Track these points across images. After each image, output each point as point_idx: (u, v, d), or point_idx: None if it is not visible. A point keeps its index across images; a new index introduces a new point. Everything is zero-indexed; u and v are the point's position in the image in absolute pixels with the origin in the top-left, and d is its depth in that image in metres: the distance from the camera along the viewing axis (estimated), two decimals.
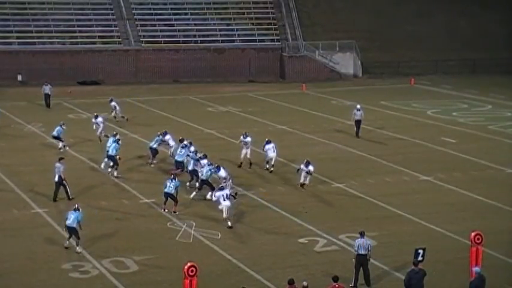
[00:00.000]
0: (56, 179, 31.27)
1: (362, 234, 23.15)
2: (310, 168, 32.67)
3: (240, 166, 36.06)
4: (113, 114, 46.97)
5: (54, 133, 39.52)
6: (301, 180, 33.03)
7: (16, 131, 44.69)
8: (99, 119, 41.62)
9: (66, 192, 31.29)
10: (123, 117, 46.74)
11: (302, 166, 32.91)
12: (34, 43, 63.33)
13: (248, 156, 36.27)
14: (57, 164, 31.56)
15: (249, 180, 34.45)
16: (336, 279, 20.86)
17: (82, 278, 23.85)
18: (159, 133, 37.35)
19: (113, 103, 47.29)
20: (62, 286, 23.36)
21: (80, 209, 26.25)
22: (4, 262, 25.06)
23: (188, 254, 24.95)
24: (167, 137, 37.24)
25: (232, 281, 23.34)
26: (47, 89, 51.88)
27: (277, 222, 29.15)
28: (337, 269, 23.18)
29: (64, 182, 31.22)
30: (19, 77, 60.23)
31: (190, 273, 20.75)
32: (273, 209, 30.63)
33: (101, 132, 41.10)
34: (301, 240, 27.15)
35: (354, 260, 22.86)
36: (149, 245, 26.46)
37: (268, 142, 35.98)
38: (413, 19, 72.79)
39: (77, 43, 64.34)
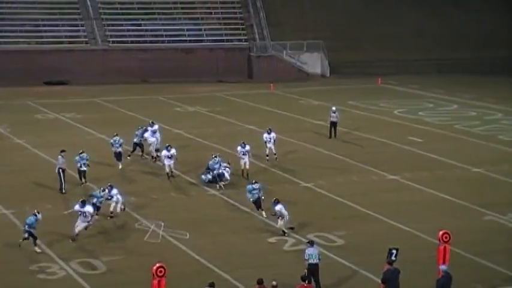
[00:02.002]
0: (56, 170, 31.90)
1: (311, 244, 23.11)
2: (278, 208, 27.65)
3: (243, 175, 34.51)
4: None
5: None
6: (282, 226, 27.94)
7: None
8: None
9: (61, 185, 31.79)
10: None
11: (277, 207, 27.85)
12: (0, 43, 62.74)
13: (247, 166, 34.75)
14: (58, 157, 32.10)
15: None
16: (304, 278, 20.95)
17: (49, 279, 23.69)
18: (139, 127, 38.04)
19: None
20: (28, 286, 23.17)
21: (39, 215, 25.97)
22: None
23: (157, 254, 24.88)
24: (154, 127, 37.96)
25: (201, 281, 23.25)
26: None
27: (246, 222, 29.18)
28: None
29: (62, 175, 31.76)
30: None
31: (158, 274, 20.68)
32: (241, 209, 30.65)
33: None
34: (270, 239, 27.21)
35: (305, 270, 22.63)
36: (117, 245, 26.37)
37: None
38: (382, 20, 73.27)
39: (43, 43, 63.84)
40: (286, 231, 27.44)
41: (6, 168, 36.00)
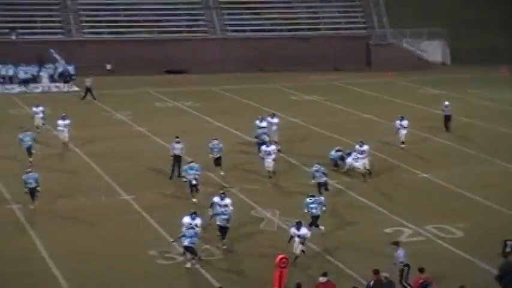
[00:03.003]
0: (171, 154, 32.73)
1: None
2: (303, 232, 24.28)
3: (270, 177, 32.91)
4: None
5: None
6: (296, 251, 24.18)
7: (105, 119, 45.57)
8: None
9: (173, 170, 32.38)
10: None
11: (293, 229, 24.37)
12: (123, 33, 64.42)
13: (271, 167, 33.04)
14: (173, 144, 32.81)
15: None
16: (422, 270, 20.56)
17: (168, 265, 24.15)
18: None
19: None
20: (149, 272, 23.71)
21: (198, 217, 24.60)
22: (93, 247, 25.63)
23: (272, 242, 24.94)
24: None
25: (315, 270, 23.14)
26: (89, 81, 51.55)
27: (361, 212, 28.91)
28: (423, 260, 22.73)
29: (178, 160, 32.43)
30: (108, 66, 61.33)
31: (281, 265, 20.88)
32: (356, 198, 30.37)
33: None
34: (386, 230, 26.85)
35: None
36: (231, 235, 26.42)
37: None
38: (508, 6, 70.61)
39: (164, 32, 65.11)
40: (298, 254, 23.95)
41: (127, 154, 36.92)
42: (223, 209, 25.51)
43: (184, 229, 24.02)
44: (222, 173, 32.97)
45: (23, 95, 52.32)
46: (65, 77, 55.62)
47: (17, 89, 54.13)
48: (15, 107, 44.71)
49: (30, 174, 29.22)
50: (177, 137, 33.38)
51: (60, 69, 55.96)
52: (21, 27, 61.71)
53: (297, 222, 24.04)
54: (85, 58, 58.49)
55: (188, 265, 23.75)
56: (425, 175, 33.60)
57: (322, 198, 26.86)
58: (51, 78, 55.63)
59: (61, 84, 55.30)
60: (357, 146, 33.42)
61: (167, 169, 33.00)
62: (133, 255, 24.83)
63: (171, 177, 32.27)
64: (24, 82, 54.46)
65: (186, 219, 24.34)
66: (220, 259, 24.53)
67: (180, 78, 60.32)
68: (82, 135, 39.61)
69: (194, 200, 29.28)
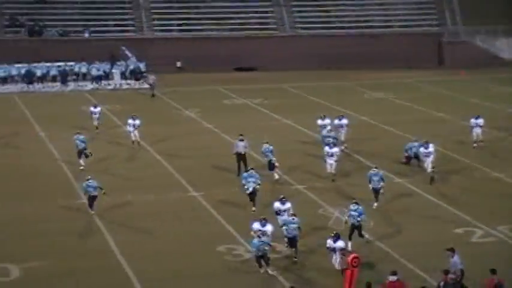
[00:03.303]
0: (234, 152, 32.81)
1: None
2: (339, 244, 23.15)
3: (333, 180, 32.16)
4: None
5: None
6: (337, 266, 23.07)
7: (175, 116, 45.93)
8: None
9: (239, 167, 32.37)
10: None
11: (329, 241, 23.38)
12: (193, 30, 64.88)
13: (333, 170, 32.18)
14: (237, 142, 32.80)
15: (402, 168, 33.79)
16: (494, 271, 20.04)
17: (235, 261, 24.17)
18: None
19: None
20: (216, 267, 23.76)
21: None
22: (162, 243, 25.82)
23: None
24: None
25: (384, 269, 22.85)
26: (152, 79, 52.34)
27: (433, 212, 28.42)
28: (495, 261, 22.24)
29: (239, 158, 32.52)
30: (178, 64, 61.85)
31: (353, 264, 20.76)
32: (426, 197, 29.89)
33: None
34: (457, 230, 26.33)
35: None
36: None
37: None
38: None
39: (233, 30, 65.31)
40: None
41: (196, 152, 37.12)
42: (291, 218, 24.42)
43: (254, 235, 23.43)
44: (276, 177, 32.10)
45: (95, 92, 53.17)
46: (136, 74, 56.32)
47: (89, 86, 55.05)
48: (87, 104, 45.42)
49: (90, 181, 28.23)
50: (241, 135, 33.38)
51: (131, 67, 56.70)
52: (94, 26, 62.72)
53: (335, 234, 23.02)
54: (156, 56, 59.09)
55: (270, 271, 23.05)
56: (498, 175, 32.84)
57: (362, 208, 25.08)
58: (123, 76, 56.41)
59: (132, 81, 56.02)
60: (422, 149, 32.53)
61: (235, 166, 33.00)
62: (201, 252, 24.91)
63: (238, 175, 32.27)
64: (97, 79, 55.34)
65: (256, 226, 23.83)
66: (288, 256, 24.41)
67: (249, 76, 60.43)
68: (152, 132, 39.98)
69: (253, 208, 28.22)
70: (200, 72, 59.54)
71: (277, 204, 25.78)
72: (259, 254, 22.97)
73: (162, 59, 59.26)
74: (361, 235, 24.95)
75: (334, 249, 22.89)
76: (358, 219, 24.69)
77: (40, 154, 37.06)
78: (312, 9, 67.54)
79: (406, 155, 34.18)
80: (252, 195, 28.45)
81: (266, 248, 23.04)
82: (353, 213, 24.78)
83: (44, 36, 61.29)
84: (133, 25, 64.21)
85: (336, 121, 37.35)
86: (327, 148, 32.58)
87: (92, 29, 62.39)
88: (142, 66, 56.67)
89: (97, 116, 40.78)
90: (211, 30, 65.04)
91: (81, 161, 33.94)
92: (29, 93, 53.07)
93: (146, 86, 53.63)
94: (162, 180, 32.81)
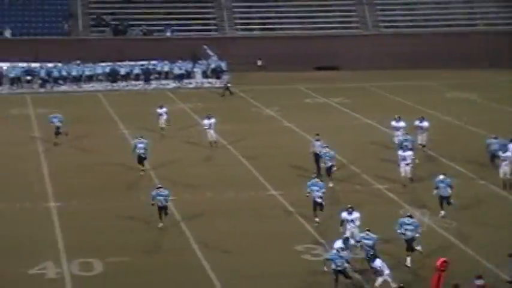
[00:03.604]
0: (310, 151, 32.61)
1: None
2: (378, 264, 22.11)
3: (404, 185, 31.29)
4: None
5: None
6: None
7: (255, 115, 46.02)
8: None
9: (318, 168, 32.07)
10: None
11: (344, 214, 24.86)
12: (275, 29, 64.90)
13: (407, 174, 31.43)
14: (314, 141, 32.75)
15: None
16: None
17: (312, 261, 24.02)
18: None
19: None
20: (293, 266, 23.69)
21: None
22: (241, 240, 25.92)
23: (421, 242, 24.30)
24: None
25: (466, 271, 22.30)
26: (226, 78, 53.73)
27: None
28: None
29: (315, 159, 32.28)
30: (259, 62, 61.94)
31: (441, 268, 20.51)
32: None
33: None
34: None
35: None
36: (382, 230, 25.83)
37: None
38: None
39: (315, 29, 65.06)
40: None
41: (275, 150, 37.10)
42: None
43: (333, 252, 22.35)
44: (330, 185, 30.72)
45: (177, 91, 53.71)
46: (217, 73, 56.66)
47: (171, 84, 55.65)
48: (168, 102, 45.86)
49: (160, 190, 27.14)
50: (317, 134, 33.27)
51: (213, 65, 57.04)
52: (176, 25, 63.39)
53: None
54: (237, 54, 59.31)
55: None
56: None
57: (418, 223, 24.15)
58: (204, 74, 56.82)
59: (213, 80, 56.37)
60: (500, 152, 31.59)
61: (313, 166, 32.77)
62: (279, 250, 24.89)
63: (318, 175, 31.97)
64: (179, 78, 55.91)
65: (338, 244, 22.74)
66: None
67: (330, 75, 60.06)
68: (232, 130, 40.16)
69: (317, 219, 27.20)
70: (281, 71, 59.45)
71: (344, 214, 25.00)
72: (338, 268, 22.06)
73: (243, 58, 59.45)
74: (412, 249, 23.71)
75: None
76: (416, 233, 23.67)
77: (124, 151, 37.24)
78: (395, 8, 66.74)
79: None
80: (317, 205, 27.26)
81: (345, 264, 22.17)
82: (408, 227, 23.69)
83: (127, 36, 62.30)
84: (215, 24, 64.65)
85: (417, 122, 36.57)
86: (400, 152, 31.75)
87: (174, 28, 63.07)
88: (223, 65, 56.97)
89: (164, 117, 40.03)
90: (293, 29, 64.92)
91: (141, 167, 33.37)
92: (112, 91, 53.99)
93: (229, 85, 53.63)
94: (241, 178, 32.92)
